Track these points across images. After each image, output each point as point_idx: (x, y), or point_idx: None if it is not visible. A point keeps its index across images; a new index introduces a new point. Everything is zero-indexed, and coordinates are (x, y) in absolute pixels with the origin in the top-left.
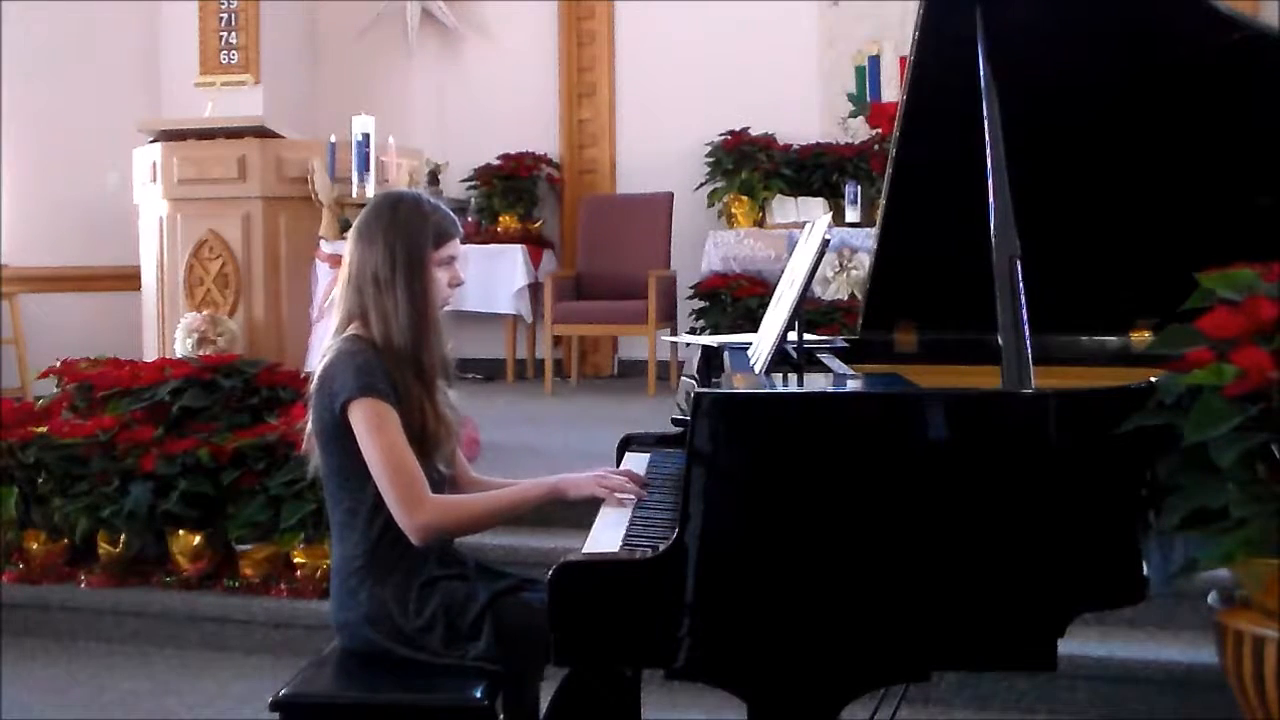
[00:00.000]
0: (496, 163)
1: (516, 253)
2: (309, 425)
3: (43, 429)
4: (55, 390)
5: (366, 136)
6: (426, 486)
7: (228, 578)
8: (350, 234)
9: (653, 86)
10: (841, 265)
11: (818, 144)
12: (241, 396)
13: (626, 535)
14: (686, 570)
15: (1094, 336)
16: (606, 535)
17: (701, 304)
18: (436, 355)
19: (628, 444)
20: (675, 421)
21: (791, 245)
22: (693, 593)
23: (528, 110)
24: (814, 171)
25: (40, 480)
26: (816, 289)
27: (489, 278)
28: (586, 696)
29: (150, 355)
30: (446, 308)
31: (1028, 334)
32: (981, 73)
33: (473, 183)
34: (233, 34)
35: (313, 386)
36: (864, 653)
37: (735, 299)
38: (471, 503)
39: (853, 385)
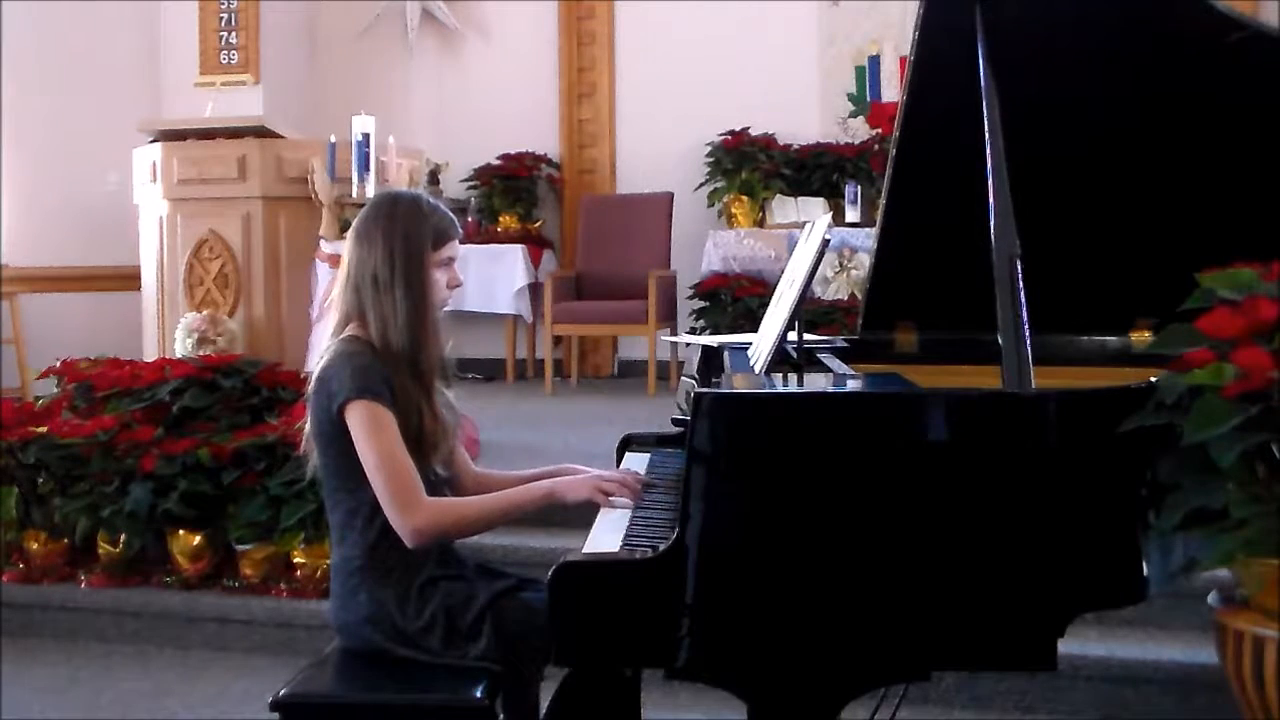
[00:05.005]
0: (496, 163)
1: (516, 253)
2: (307, 426)
3: (43, 429)
4: (55, 390)
5: (366, 136)
6: (422, 489)
7: (228, 578)
8: (349, 234)
9: (653, 86)
10: (841, 265)
11: (818, 144)
12: (241, 396)
13: (627, 535)
14: (686, 570)
15: (1094, 336)
16: (607, 535)
17: (701, 304)
18: (434, 357)
19: (628, 444)
20: (675, 421)
21: (791, 245)
22: (693, 593)
23: (528, 110)
24: (814, 171)
25: (40, 480)
26: (816, 289)
27: (489, 278)
28: (586, 696)
29: (150, 355)
30: (445, 309)
31: (1028, 334)
32: (981, 72)
33: (473, 183)
34: (233, 34)
35: (311, 387)
36: (864, 653)
37: (735, 299)
38: (466, 506)
39: (853, 385)
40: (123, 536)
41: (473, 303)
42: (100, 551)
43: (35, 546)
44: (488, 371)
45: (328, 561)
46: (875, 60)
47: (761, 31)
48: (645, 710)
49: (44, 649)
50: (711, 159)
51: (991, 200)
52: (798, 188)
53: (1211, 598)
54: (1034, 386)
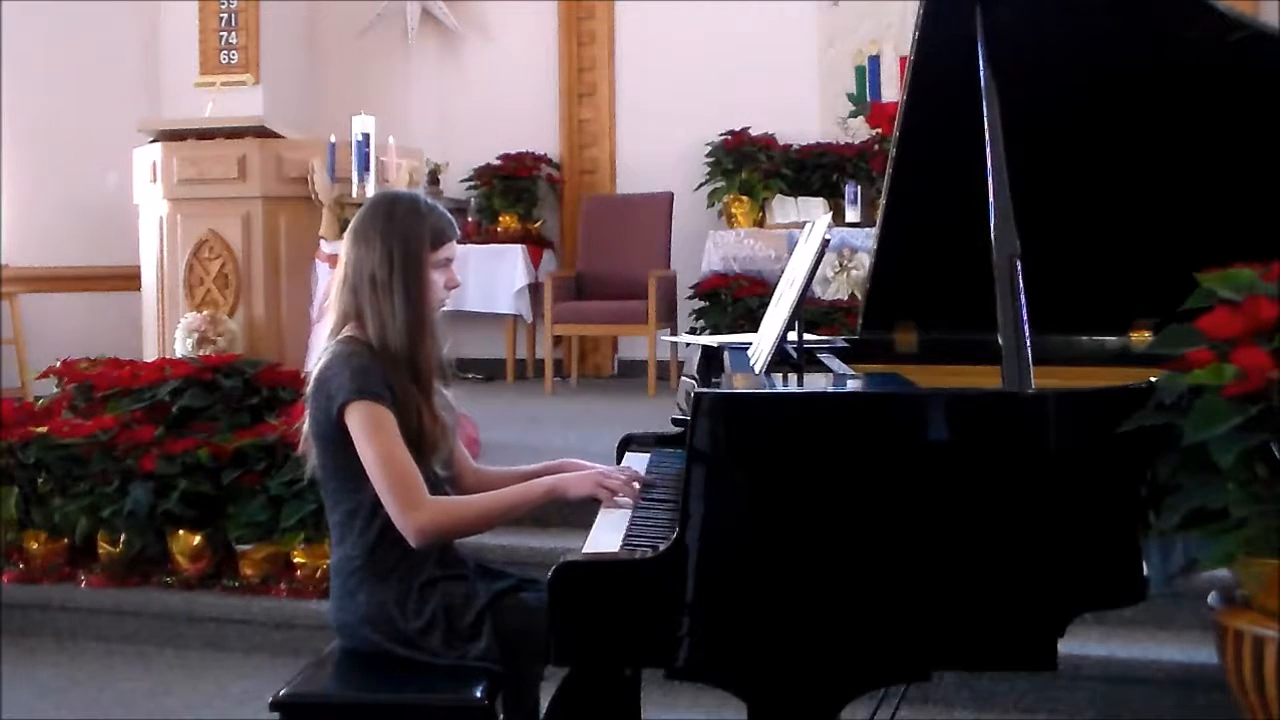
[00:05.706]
0: (496, 163)
1: (516, 253)
2: (306, 426)
3: (43, 429)
4: (55, 390)
5: (366, 136)
6: (424, 489)
7: (228, 578)
8: (347, 234)
9: (653, 86)
10: (841, 265)
11: (818, 144)
12: (241, 396)
13: (627, 535)
14: (687, 570)
15: (1094, 336)
16: (606, 535)
17: (701, 304)
18: (433, 357)
19: (628, 444)
20: (675, 421)
21: (791, 245)
22: (693, 593)
23: (528, 110)
24: (814, 171)
25: (40, 480)
26: (816, 289)
27: (489, 278)
28: (586, 696)
29: (150, 355)
30: (443, 309)
31: (1028, 334)
32: (981, 73)
33: (473, 183)
34: (233, 34)
35: (309, 388)
36: (864, 653)
37: (735, 299)
38: (469, 504)
39: (853, 385)
40: (123, 536)
41: (473, 303)
42: (100, 551)
43: (35, 546)
44: (488, 371)
45: (328, 561)
46: (875, 60)
47: (761, 31)
48: (645, 710)
49: (44, 649)
50: (711, 159)
51: (991, 200)
52: (798, 188)
53: (1211, 598)
54: (1034, 386)
